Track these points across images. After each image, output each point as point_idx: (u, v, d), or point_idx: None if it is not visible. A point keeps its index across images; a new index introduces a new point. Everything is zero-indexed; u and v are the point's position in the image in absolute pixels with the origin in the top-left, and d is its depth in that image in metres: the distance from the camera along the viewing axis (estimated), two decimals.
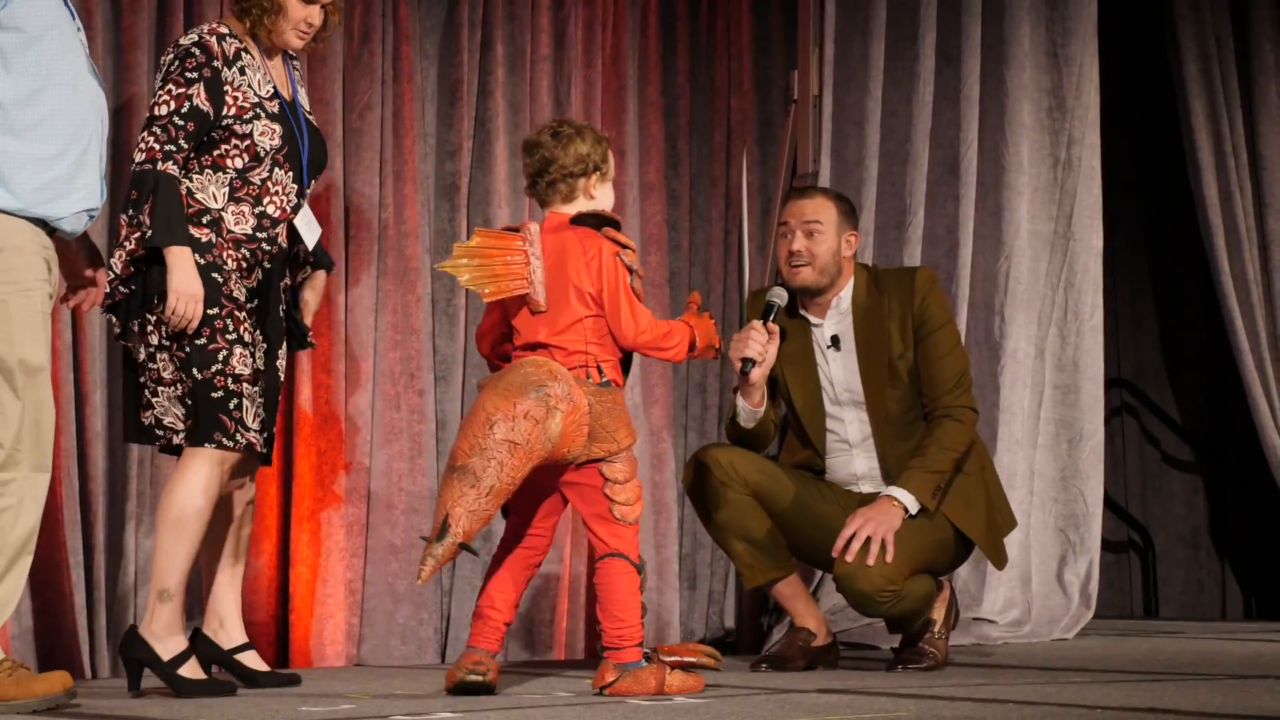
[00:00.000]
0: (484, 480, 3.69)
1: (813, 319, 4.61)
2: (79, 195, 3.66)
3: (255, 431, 4.03)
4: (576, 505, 3.95)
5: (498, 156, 5.43)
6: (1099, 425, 5.97)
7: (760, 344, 4.39)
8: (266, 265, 4.16)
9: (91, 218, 3.74)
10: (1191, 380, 7.79)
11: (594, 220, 3.94)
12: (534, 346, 3.91)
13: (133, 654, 3.94)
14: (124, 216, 4.03)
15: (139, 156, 4.02)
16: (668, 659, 3.91)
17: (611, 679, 3.78)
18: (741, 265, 5.92)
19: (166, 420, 4.06)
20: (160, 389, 4.05)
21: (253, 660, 4.21)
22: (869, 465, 4.58)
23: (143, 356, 4.06)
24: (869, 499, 4.50)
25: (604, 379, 3.89)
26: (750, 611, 5.72)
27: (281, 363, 4.24)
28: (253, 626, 4.84)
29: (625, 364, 4.01)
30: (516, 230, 3.95)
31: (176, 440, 4.07)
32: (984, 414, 4.66)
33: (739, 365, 4.41)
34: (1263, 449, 6.58)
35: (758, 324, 4.42)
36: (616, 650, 3.80)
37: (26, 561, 3.56)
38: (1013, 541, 4.95)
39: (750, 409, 4.47)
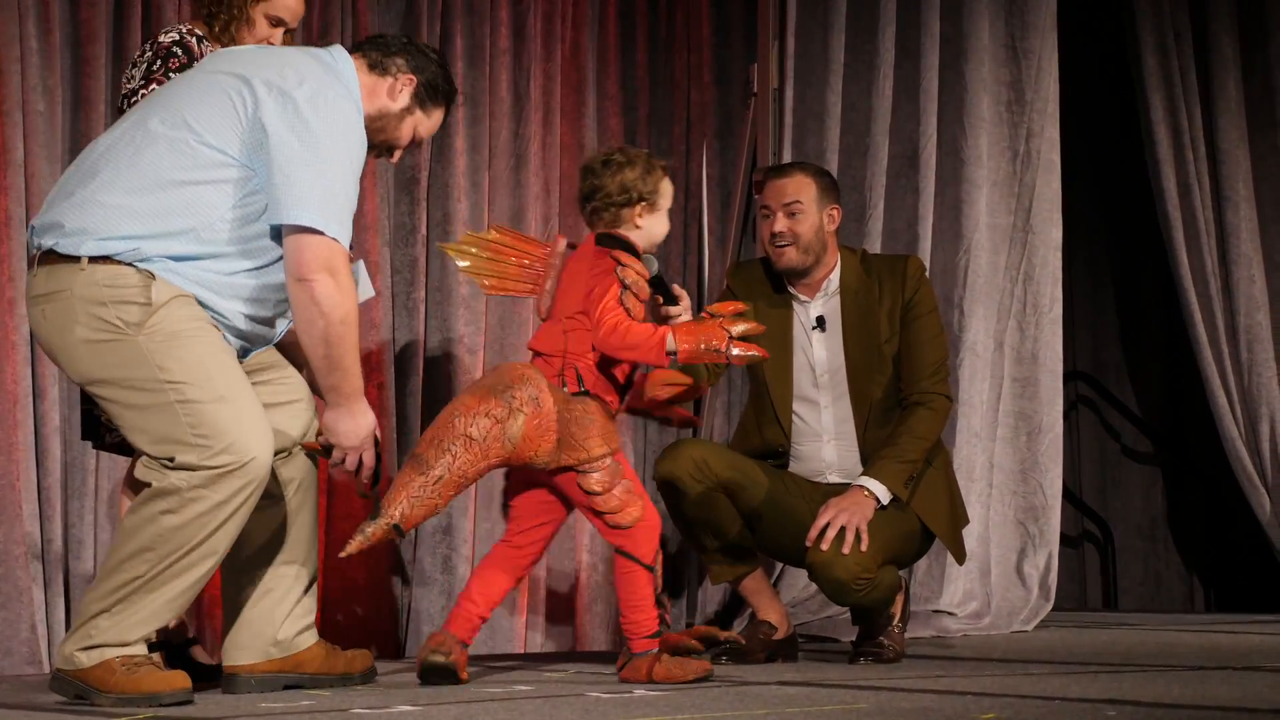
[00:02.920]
0: (434, 470, 3.71)
1: (801, 297, 4.60)
2: None
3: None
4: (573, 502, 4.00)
5: (457, 150, 5.42)
6: (1058, 418, 5.99)
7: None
8: None
9: None
10: (1150, 373, 7.83)
11: (611, 241, 3.96)
12: (535, 354, 4.00)
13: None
14: None
15: None
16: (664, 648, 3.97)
17: (621, 664, 3.92)
18: (701, 259, 5.92)
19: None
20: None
21: (200, 655, 4.22)
22: (838, 454, 4.57)
23: None
24: (836, 490, 4.50)
25: (581, 389, 3.90)
26: (711, 605, 5.72)
27: None
28: (213, 620, 4.83)
29: (627, 384, 4.02)
30: (544, 242, 4.05)
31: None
32: None
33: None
34: (1221, 441, 6.62)
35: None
36: (630, 640, 3.92)
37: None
38: (972, 534, 4.98)
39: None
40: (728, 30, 6.02)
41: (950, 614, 5.62)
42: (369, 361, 5.19)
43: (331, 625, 5.05)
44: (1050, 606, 5.90)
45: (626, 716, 3.09)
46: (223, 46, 4.19)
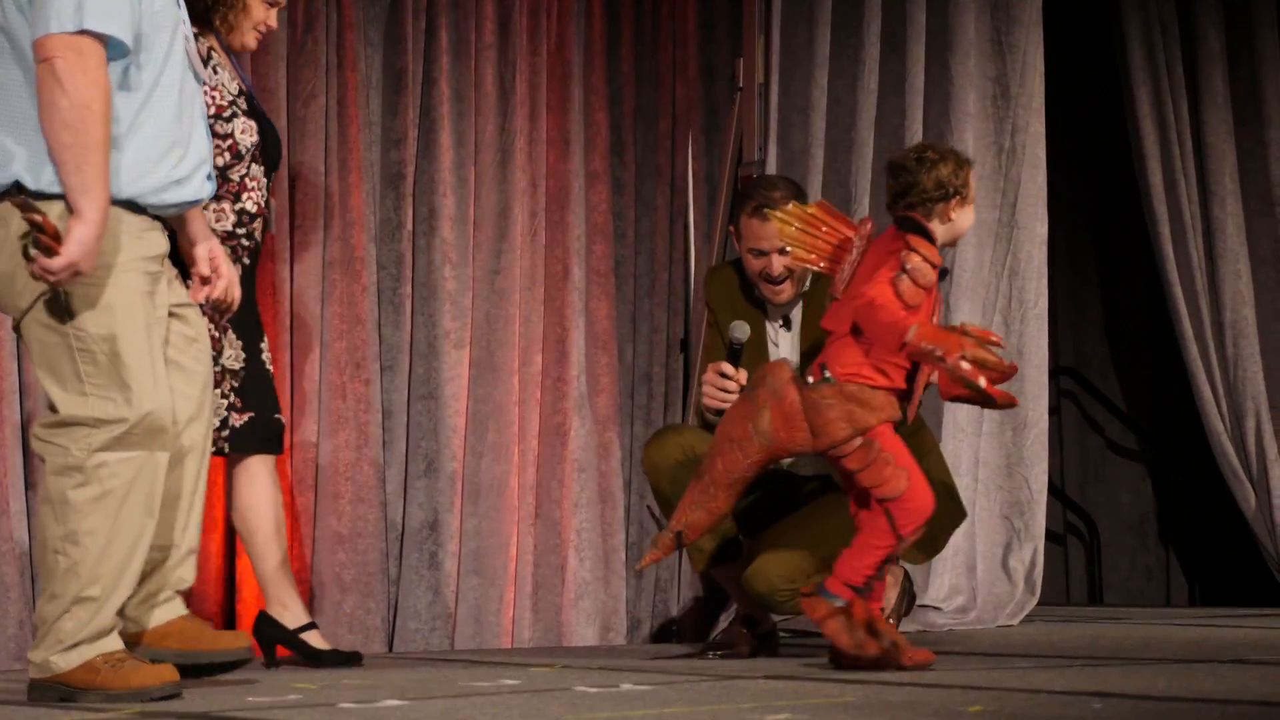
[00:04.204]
0: (705, 474, 3.89)
1: (771, 305, 4.62)
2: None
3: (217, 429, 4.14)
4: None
5: (443, 144, 5.41)
6: (1044, 413, 6.00)
7: (733, 392, 4.45)
8: (245, 261, 4.25)
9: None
10: (1136, 368, 7.84)
11: (910, 224, 3.97)
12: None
13: (264, 634, 4.29)
14: None
15: None
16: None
17: (809, 590, 3.93)
18: (687, 254, 5.92)
19: None
20: None
21: (316, 640, 4.34)
22: None
23: None
24: (809, 482, 4.54)
25: (825, 375, 3.92)
26: (697, 600, 5.72)
27: (269, 354, 4.34)
28: (200, 616, 4.81)
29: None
30: (855, 224, 4.06)
31: None
32: (928, 401, 4.68)
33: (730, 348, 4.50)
34: (1206, 436, 6.63)
35: (728, 369, 4.45)
36: (831, 576, 3.92)
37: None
38: (957, 529, 4.98)
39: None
40: (712, 25, 6.02)
41: (936, 608, 5.63)
42: (355, 356, 5.18)
43: (319, 619, 5.04)
44: (1035, 601, 5.91)
45: (614, 710, 3.09)
46: (221, 42, 4.20)
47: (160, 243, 3.58)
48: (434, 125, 5.39)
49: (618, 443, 5.68)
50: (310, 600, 5.09)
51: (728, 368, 4.47)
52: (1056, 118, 6.35)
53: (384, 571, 5.18)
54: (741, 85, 5.87)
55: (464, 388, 5.39)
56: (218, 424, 4.18)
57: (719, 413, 4.40)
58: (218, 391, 4.17)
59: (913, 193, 4.00)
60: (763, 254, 4.55)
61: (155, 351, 3.50)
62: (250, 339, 4.29)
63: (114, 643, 3.47)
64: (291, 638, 4.32)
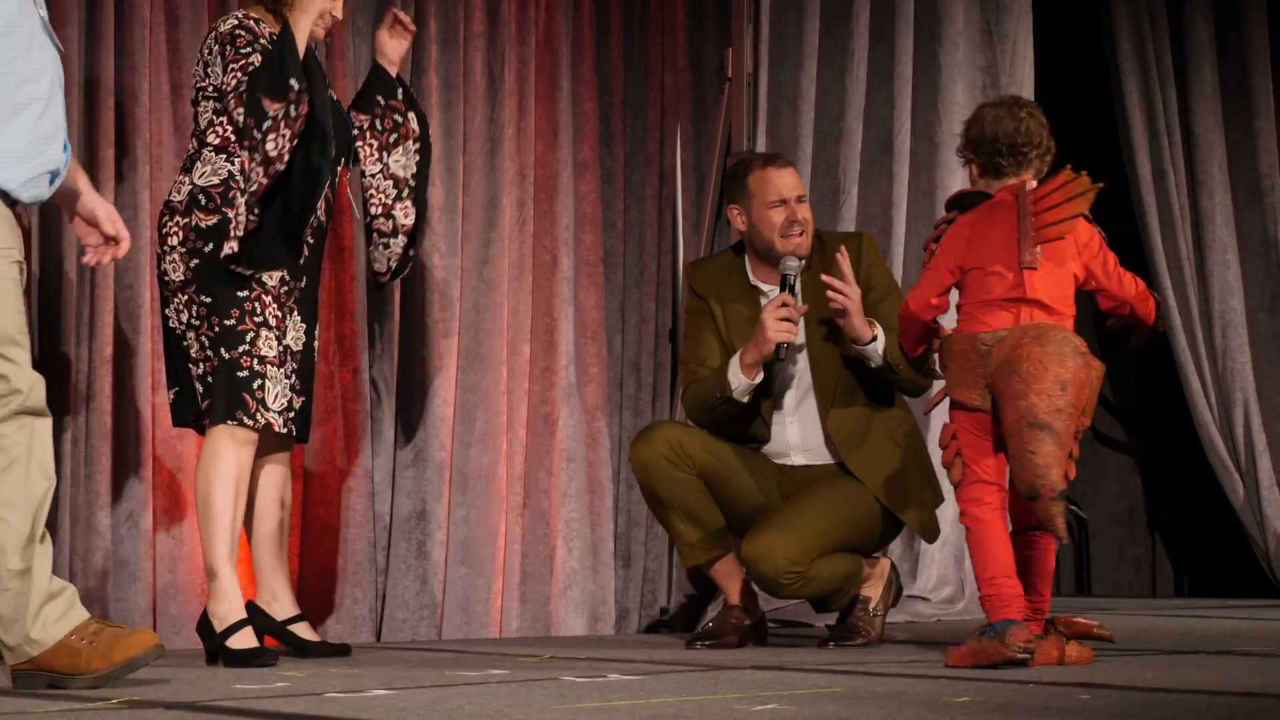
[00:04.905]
0: (1064, 440, 3.67)
1: (764, 287, 4.61)
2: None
3: (275, 412, 4.19)
4: None
5: (432, 134, 5.39)
6: None
7: (795, 322, 4.43)
8: (310, 240, 4.31)
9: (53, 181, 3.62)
10: (1125, 359, 7.85)
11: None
12: (1021, 302, 3.81)
13: (201, 631, 4.19)
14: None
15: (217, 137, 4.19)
16: (1064, 630, 3.92)
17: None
18: (676, 244, 5.92)
19: (198, 398, 4.24)
20: (187, 366, 4.24)
21: (305, 631, 4.36)
22: (802, 435, 4.59)
23: (177, 332, 4.25)
24: (800, 472, 4.54)
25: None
26: (685, 590, 5.72)
27: (317, 341, 4.42)
28: (189, 605, 4.81)
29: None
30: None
31: (180, 419, 4.28)
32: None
33: (773, 350, 4.42)
34: (1195, 427, 6.63)
35: (789, 299, 4.43)
36: (1035, 620, 3.84)
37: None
38: (946, 519, 4.98)
39: (749, 383, 4.48)
40: (702, 14, 6.01)
41: (924, 599, 5.63)
42: (343, 346, 5.17)
43: (307, 609, 5.04)
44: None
45: (601, 700, 3.09)
46: (279, 21, 4.22)
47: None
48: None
49: (606, 433, 5.67)
50: (298, 590, 5.07)
51: (788, 297, 4.45)
52: (1045, 108, 6.30)
53: (371, 561, 5.17)
54: (730, 75, 5.86)
55: (452, 377, 5.38)
56: (285, 404, 4.20)
57: (783, 346, 4.38)
58: (281, 371, 4.20)
59: (1041, 141, 3.97)
60: (783, 203, 4.55)
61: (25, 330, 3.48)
62: (311, 324, 4.35)
63: (79, 614, 3.43)
64: (280, 629, 4.33)
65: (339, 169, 4.41)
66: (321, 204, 4.31)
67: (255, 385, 4.17)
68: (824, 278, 4.42)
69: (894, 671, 3.67)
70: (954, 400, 3.83)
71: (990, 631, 3.71)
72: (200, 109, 4.26)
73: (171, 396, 4.34)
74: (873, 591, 4.59)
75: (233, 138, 4.19)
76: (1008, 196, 3.89)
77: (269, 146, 4.09)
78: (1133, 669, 3.68)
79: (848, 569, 4.49)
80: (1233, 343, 6.56)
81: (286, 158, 4.10)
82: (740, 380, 4.47)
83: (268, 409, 4.18)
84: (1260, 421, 6.56)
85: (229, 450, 4.16)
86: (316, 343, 4.42)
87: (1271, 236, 6.69)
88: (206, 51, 4.27)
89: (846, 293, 4.40)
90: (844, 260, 4.45)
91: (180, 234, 4.19)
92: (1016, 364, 3.69)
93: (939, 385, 4.07)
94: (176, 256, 4.19)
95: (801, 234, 4.57)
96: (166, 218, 4.24)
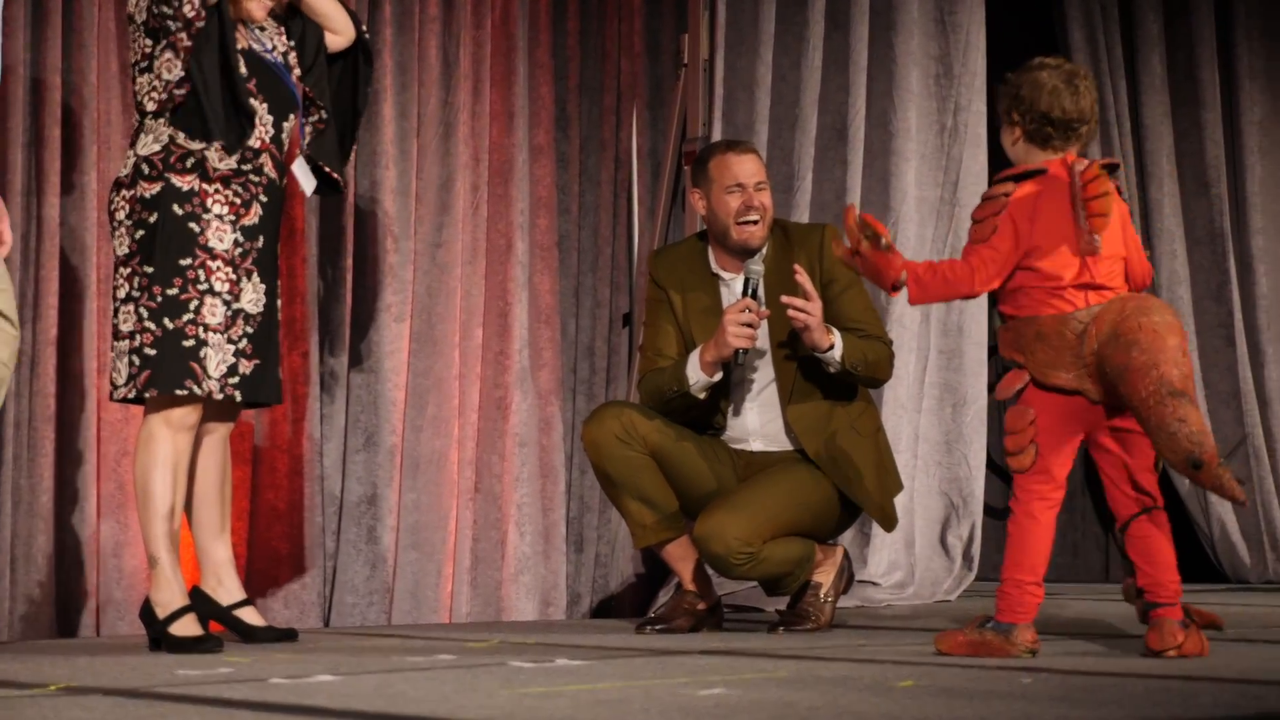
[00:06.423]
0: (1182, 391, 3.51)
1: (726, 275, 4.62)
2: None
3: (214, 379, 4.12)
4: (1121, 459, 3.73)
5: (385, 117, 5.39)
6: (983, 390, 6.04)
7: (756, 327, 4.42)
8: (263, 199, 4.23)
9: None
10: None
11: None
12: (1089, 288, 3.69)
13: (143, 618, 4.16)
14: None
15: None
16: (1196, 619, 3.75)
17: (1179, 639, 3.60)
18: (631, 229, 5.92)
19: (112, 373, 4.18)
20: (115, 342, 4.16)
21: (251, 616, 4.32)
22: (761, 422, 4.60)
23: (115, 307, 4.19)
24: (759, 458, 4.55)
25: None
26: (636, 575, 5.74)
27: (279, 300, 4.34)
28: (133, 591, 4.80)
29: None
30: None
31: (118, 395, 4.17)
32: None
33: (734, 355, 4.41)
34: None
35: (751, 304, 4.42)
36: (1172, 606, 3.67)
37: None
38: (897, 504, 5.01)
39: (707, 380, 4.48)
40: (658, 0, 6.01)
41: (875, 584, 5.66)
42: (293, 329, 5.16)
43: (255, 594, 5.03)
44: (974, 576, 5.95)
45: (548, 685, 3.10)
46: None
47: None
48: (377, 98, 5.36)
49: (559, 417, 5.67)
50: (246, 575, 5.07)
51: (750, 303, 4.45)
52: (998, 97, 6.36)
53: (321, 546, 5.16)
54: (686, 61, 5.86)
55: (404, 361, 5.38)
56: (225, 370, 4.14)
57: (744, 351, 4.38)
58: (224, 336, 4.13)
59: (1092, 119, 3.79)
60: (741, 188, 4.55)
61: None
62: (271, 284, 4.27)
63: None
64: (225, 614, 4.31)
65: (285, 127, 4.32)
66: (269, 160, 4.24)
67: (201, 354, 4.09)
68: (784, 299, 4.39)
69: (841, 656, 3.69)
70: (1040, 384, 3.67)
71: (997, 627, 3.67)
72: (138, 83, 4.20)
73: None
74: (824, 577, 4.61)
75: (164, 97, 4.11)
76: (1062, 172, 3.73)
77: (185, 9, 4.03)
78: (1074, 654, 3.71)
79: (800, 553, 4.51)
80: None
81: (205, 14, 4.04)
82: (699, 377, 4.48)
83: (209, 376, 4.11)
84: (1206, 409, 6.61)
85: (165, 435, 4.12)
86: (279, 301, 4.33)
87: (1218, 226, 6.74)
88: (132, 5, 4.18)
89: (807, 309, 4.39)
90: (803, 277, 4.42)
91: (127, 207, 4.14)
92: (1131, 336, 3.54)
93: (981, 383, 3.91)
94: (124, 230, 4.14)
95: (758, 221, 4.57)
96: (114, 193, 4.19)
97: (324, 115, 4.45)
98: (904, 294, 3.81)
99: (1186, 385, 3.51)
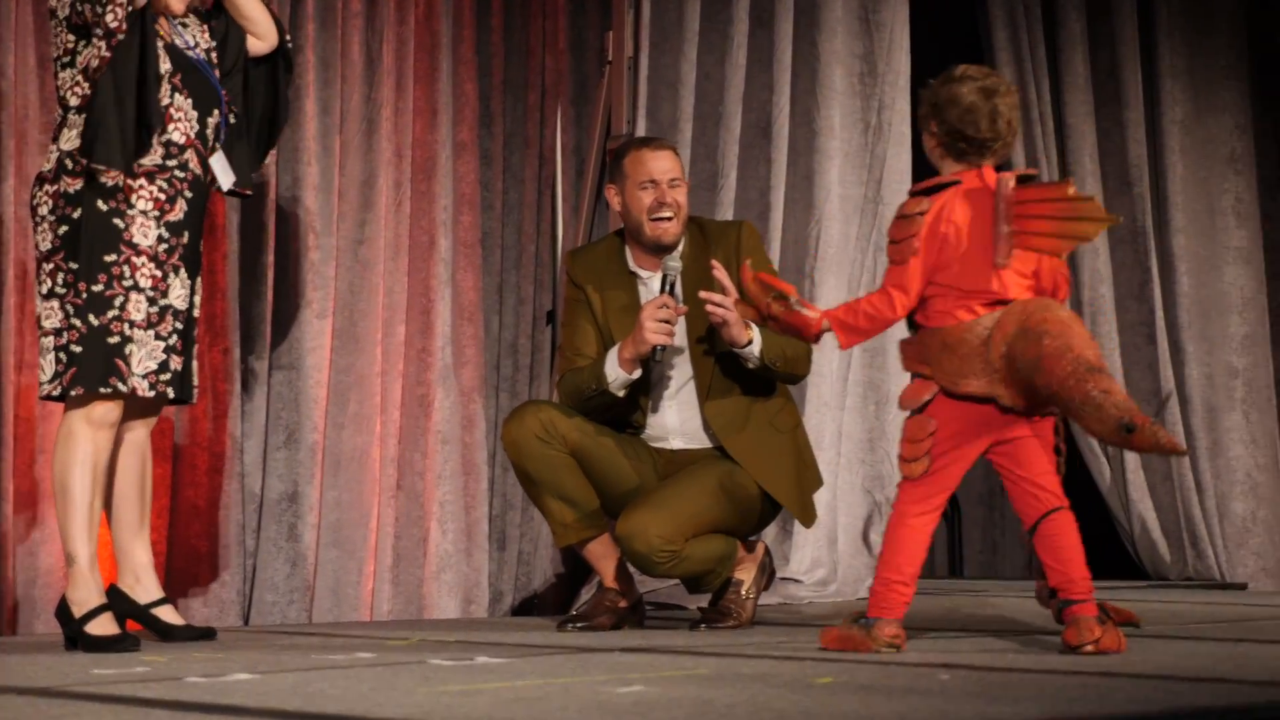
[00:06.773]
0: (1095, 366, 3.48)
1: (643, 273, 4.62)
2: None
3: (139, 376, 4.08)
4: (1024, 461, 3.72)
5: (307, 113, 5.35)
6: None
7: (673, 324, 4.41)
8: (188, 195, 4.19)
9: None
10: None
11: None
12: (998, 303, 3.65)
13: (59, 616, 4.12)
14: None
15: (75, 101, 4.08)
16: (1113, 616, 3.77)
17: (1096, 634, 3.59)
18: (555, 227, 5.91)
19: (39, 370, 4.15)
20: (40, 339, 4.12)
21: (169, 615, 4.27)
22: (680, 419, 4.61)
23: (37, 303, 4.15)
24: (679, 456, 4.56)
25: None
26: (558, 573, 5.73)
27: (198, 296, 4.28)
28: (50, 590, 4.75)
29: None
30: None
31: (44, 392, 4.13)
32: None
33: (652, 351, 4.40)
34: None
35: (669, 301, 4.41)
36: (1086, 602, 3.65)
37: None
38: (820, 502, 5.03)
39: (626, 377, 4.47)
40: None
41: (797, 581, 5.68)
42: (214, 326, 5.12)
43: (174, 592, 4.99)
44: None
45: (467, 683, 3.09)
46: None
47: None
48: (299, 93, 5.33)
49: (482, 415, 5.66)
50: (165, 573, 5.02)
51: (668, 299, 4.44)
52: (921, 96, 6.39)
53: (241, 544, 5.13)
54: (611, 58, 5.86)
55: (326, 358, 5.34)
56: (155, 367, 4.09)
57: (661, 349, 4.38)
58: (151, 332, 4.09)
59: (1012, 132, 3.76)
60: (654, 184, 4.55)
61: None
62: (195, 280, 4.23)
63: None
64: (143, 612, 4.26)
65: (208, 128, 4.28)
66: (194, 155, 4.20)
67: (126, 351, 4.06)
68: (702, 294, 4.39)
69: (762, 653, 3.70)
70: (950, 393, 3.66)
71: (863, 622, 3.72)
72: (60, 78, 4.16)
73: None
74: (746, 574, 4.62)
75: (90, 91, 4.07)
76: (977, 184, 3.71)
77: (108, 19, 3.99)
78: (993, 650, 3.73)
79: (721, 550, 4.51)
80: (1102, 329, 6.66)
81: (126, 27, 3.99)
82: (618, 374, 4.47)
83: (134, 374, 4.08)
84: None
85: (85, 433, 4.09)
86: (198, 296, 4.28)
87: (1140, 225, 6.80)
88: (54, 0, 4.13)
89: (725, 305, 4.39)
90: (721, 273, 4.42)
91: (50, 202, 4.11)
92: (1040, 327, 3.53)
93: (904, 380, 3.91)
94: (46, 225, 4.11)
95: (672, 218, 4.57)
96: (37, 188, 4.15)
97: (235, 119, 4.40)
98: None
99: (1102, 364, 3.51)
